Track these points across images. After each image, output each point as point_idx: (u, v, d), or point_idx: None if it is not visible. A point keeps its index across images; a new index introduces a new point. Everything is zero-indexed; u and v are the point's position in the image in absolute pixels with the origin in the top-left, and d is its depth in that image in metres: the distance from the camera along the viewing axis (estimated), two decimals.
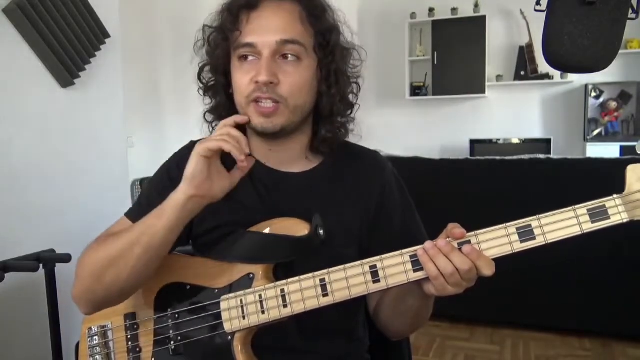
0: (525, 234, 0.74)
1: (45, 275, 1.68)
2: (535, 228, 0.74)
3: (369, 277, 0.78)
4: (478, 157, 3.14)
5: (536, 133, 5.39)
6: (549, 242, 0.73)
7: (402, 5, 5.58)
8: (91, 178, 2.21)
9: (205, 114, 1.00)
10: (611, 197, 0.72)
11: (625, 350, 2.57)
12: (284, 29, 0.87)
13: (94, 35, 2.16)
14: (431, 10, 5.48)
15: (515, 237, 0.74)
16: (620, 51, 1.30)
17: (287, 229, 0.87)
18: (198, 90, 1.00)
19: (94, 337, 0.96)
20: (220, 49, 0.93)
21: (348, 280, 0.79)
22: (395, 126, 5.69)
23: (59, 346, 1.71)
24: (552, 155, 3.38)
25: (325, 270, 0.80)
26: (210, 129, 1.01)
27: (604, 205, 0.72)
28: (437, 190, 2.73)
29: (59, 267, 1.70)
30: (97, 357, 0.95)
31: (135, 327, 0.93)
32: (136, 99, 4.03)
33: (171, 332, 0.90)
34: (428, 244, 0.76)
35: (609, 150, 4.85)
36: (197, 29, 1.00)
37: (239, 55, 0.90)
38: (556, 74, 5.11)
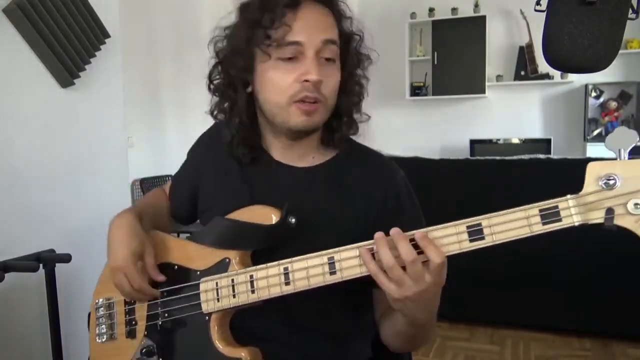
0: (475, 232, 0.71)
1: (45, 275, 1.68)
2: (485, 227, 0.71)
3: (327, 268, 0.79)
4: (478, 157, 3.14)
5: (536, 133, 5.39)
6: (497, 242, 0.70)
7: (402, 5, 5.58)
8: (91, 178, 2.21)
9: (214, 112, 1.00)
10: (565, 198, 0.67)
11: (625, 350, 2.57)
12: (327, 29, 0.90)
13: (94, 35, 2.16)
14: (431, 10, 5.48)
15: (465, 235, 0.72)
16: (620, 51, 1.30)
17: (258, 217, 0.90)
18: (209, 87, 0.99)
19: (100, 309, 1.03)
20: (249, 47, 0.91)
21: (308, 270, 0.80)
22: (395, 126, 5.69)
23: (59, 346, 1.71)
24: (552, 155, 3.38)
25: (289, 259, 0.82)
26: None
27: (557, 206, 0.67)
28: (437, 190, 2.73)
29: (59, 267, 1.70)
30: (103, 326, 1.02)
31: (133, 301, 0.98)
32: (136, 99, 4.03)
33: (159, 308, 0.95)
34: (377, 234, 0.75)
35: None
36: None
37: (279, 55, 0.88)
38: (556, 74, 5.11)
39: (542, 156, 2.82)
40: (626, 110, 4.98)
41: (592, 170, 0.67)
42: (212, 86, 1.00)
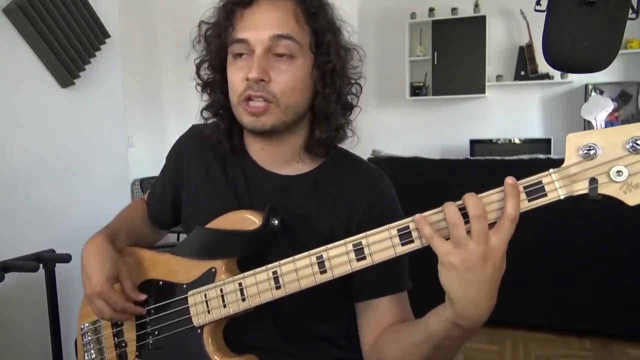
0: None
1: (45, 275, 1.68)
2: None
3: (316, 268, 0.76)
4: (478, 157, 3.14)
5: (536, 133, 5.39)
6: (490, 222, 0.68)
7: (402, 5, 5.58)
8: (91, 178, 2.21)
9: (202, 110, 1.00)
10: (547, 172, 0.67)
11: (625, 350, 2.57)
12: (277, 25, 0.85)
13: (94, 35, 2.16)
14: (431, 10, 5.48)
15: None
16: (620, 51, 1.30)
17: (241, 222, 0.88)
18: (195, 87, 0.99)
19: (87, 334, 1.01)
20: (216, 46, 0.92)
21: (297, 272, 0.78)
22: (395, 126, 5.69)
23: (59, 346, 1.71)
24: (552, 155, 3.37)
25: (277, 263, 0.79)
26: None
27: (541, 182, 0.67)
28: (437, 190, 2.73)
29: (59, 267, 1.70)
30: (92, 352, 0.99)
31: (120, 323, 0.96)
32: (136, 99, 4.03)
33: (149, 327, 0.93)
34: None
35: None
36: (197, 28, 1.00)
37: (232, 52, 0.89)
38: (556, 74, 5.10)
39: (542, 156, 2.82)
40: (626, 110, 4.98)
41: (571, 141, 0.66)
42: (201, 82, 0.98)
